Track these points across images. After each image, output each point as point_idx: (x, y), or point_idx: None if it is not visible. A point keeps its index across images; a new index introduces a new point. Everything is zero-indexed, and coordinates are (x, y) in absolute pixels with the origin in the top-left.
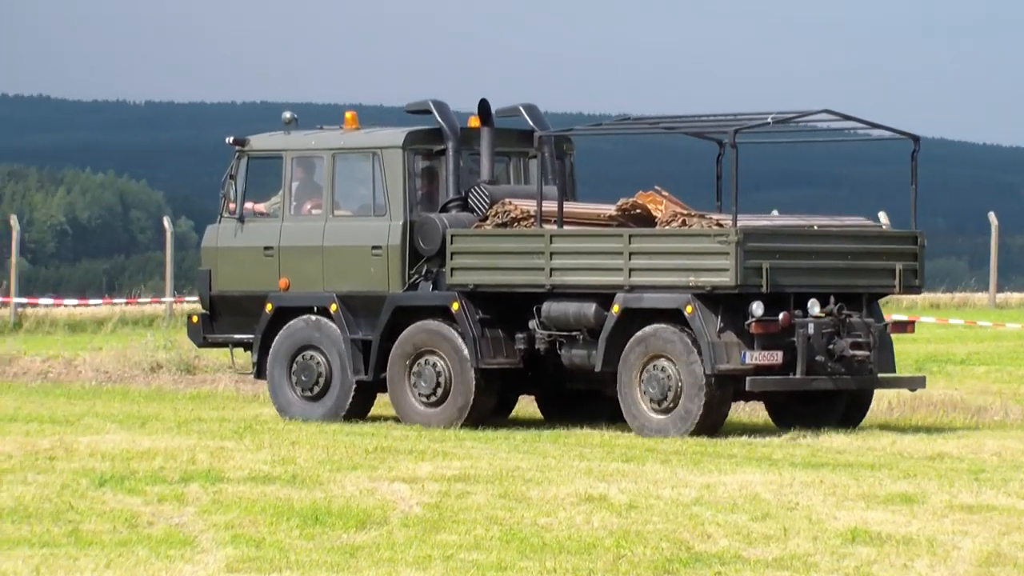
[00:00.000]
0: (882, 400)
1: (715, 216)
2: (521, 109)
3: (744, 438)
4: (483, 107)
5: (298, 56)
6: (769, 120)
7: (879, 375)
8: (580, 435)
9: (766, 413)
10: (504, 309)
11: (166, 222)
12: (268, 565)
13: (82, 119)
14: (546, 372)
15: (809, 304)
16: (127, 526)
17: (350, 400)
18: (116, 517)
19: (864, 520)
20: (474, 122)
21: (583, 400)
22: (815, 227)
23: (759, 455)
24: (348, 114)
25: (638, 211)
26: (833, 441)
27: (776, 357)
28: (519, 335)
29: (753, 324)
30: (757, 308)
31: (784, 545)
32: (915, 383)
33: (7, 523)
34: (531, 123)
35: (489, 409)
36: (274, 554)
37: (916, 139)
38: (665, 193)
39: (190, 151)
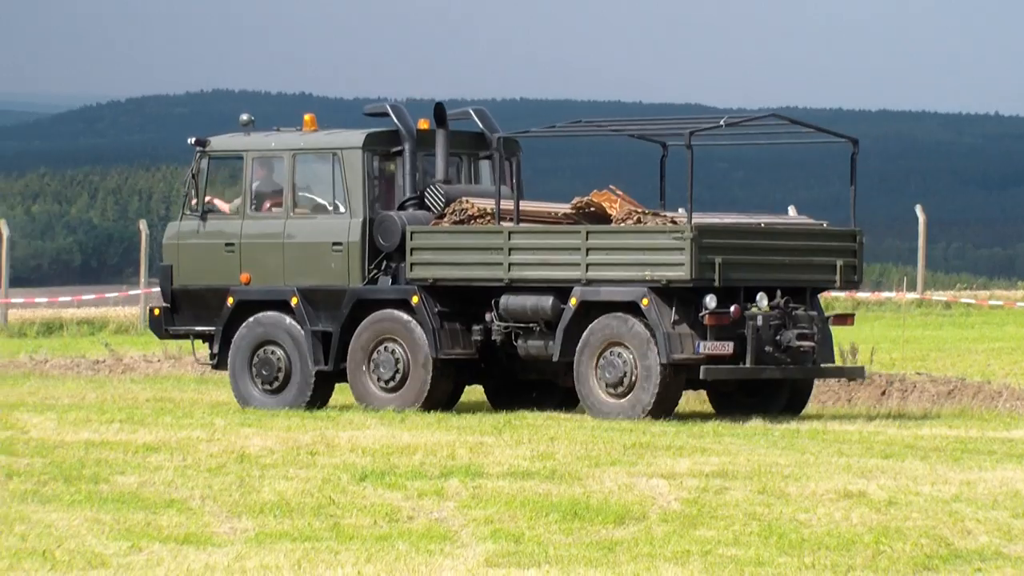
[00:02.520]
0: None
1: (669, 214)
2: (471, 112)
3: (1004, 434)
4: (439, 110)
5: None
6: (721, 123)
7: (821, 365)
8: (838, 432)
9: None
10: (461, 302)
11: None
12: (527, 560)
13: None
14: (499, 362)
15: (758, 297)
16: (387, 520)
17: (311, 391)
18: (376, 512)
19: None
20: (424, 124)
21: (531, 389)
22: (762, 224)
23: (1019, 452)
24: (307, 116)
25: (592, 209)
26: None
27: (727, 347)
28: (475, 327)
29: (707, 316)
30: (710, 301)
31: None
32: (856, 373)
33: (269, 517)
34: (481, 126)
35: (445, 396)
36: (533, 549)
37: (855, 142)
38: (619, 192)
39: None
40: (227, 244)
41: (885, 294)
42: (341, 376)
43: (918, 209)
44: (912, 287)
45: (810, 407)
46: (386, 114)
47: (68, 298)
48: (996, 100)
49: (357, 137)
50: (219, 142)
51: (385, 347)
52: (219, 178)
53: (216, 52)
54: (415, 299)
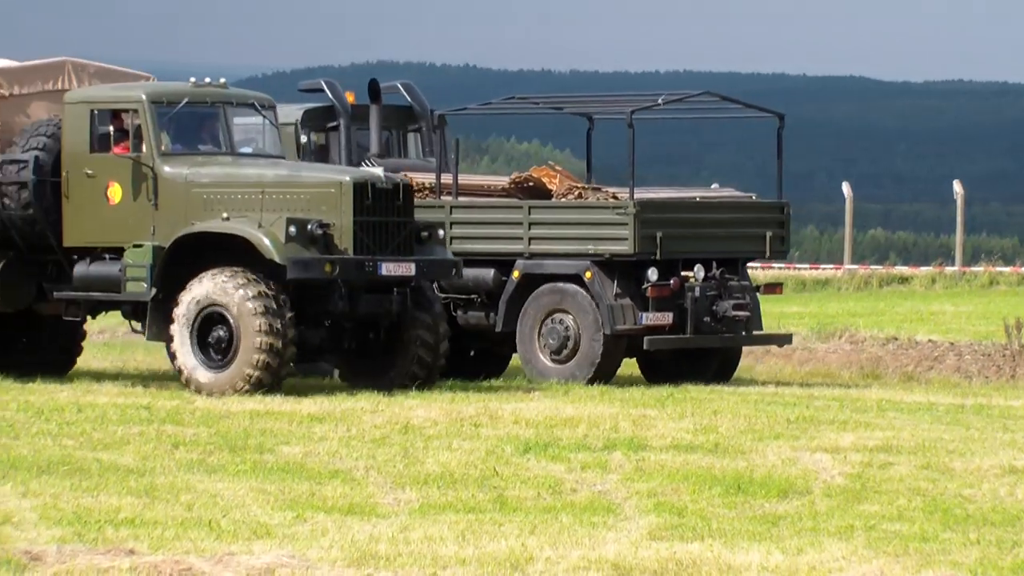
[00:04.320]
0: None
1: (610, 189)
2: (400, 87)
3: None
4: (373, 86)
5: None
6: (660, 101)
7: (753, 332)
8: (1003, 407)
9: None
10: None
11: None
12: (691, 533)
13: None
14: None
15: (695, 269)
16: (550, 493)
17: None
18: (540, 484)
19: None
20: (350, 98)
21: (472, 358)
22: (697, 199)
23: None
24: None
25: (531, 184)
26: None
27: (667, 318)
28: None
29: (649, 288)
30: (652, 274)
31: None
32: (783, 339)
33: (433, 489)
34: (410, 100)
35: None
36: (696, 522)
37: (781, 117)
38: (559, 168)
39: None
40: None
41: None
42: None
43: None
44: None
45: (975, 383)
46: (321, 90)
47: None
48: None
49: (294, 112)
50: None
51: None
52: None
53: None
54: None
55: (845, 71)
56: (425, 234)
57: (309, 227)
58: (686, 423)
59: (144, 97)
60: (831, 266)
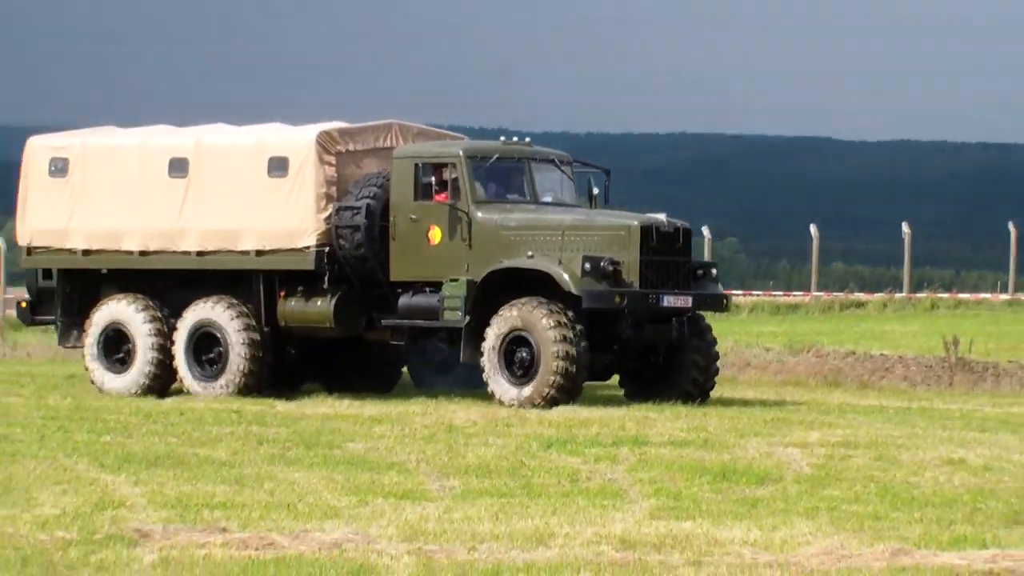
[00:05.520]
0: None
1: None
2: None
3: None
4: None
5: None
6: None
7: None
8: (942, 410)
9: None
10: None
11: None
12: (684, 513)
13: None
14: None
15: None
16: (569, 481)
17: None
18: (560, 473)
19: None
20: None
21: None
22: None
23: None
24: None
25: None
26: None
27: None
28: None
29: None
30: None
31: None
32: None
33: (472, 477)
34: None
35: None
36: (689, 504)
37: (607, 171)
38: None
39: None
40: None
41: (982, 295)
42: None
43: (1010, 224)
44: (1005, 289)
45: (919, 389)
46: None
47: None
48: None
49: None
50: None
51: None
52: None
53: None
54: None
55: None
56: (701, 271)
57: (602, 264)
58: (681, 423)
59: (461, 153)
60: (800, 293)
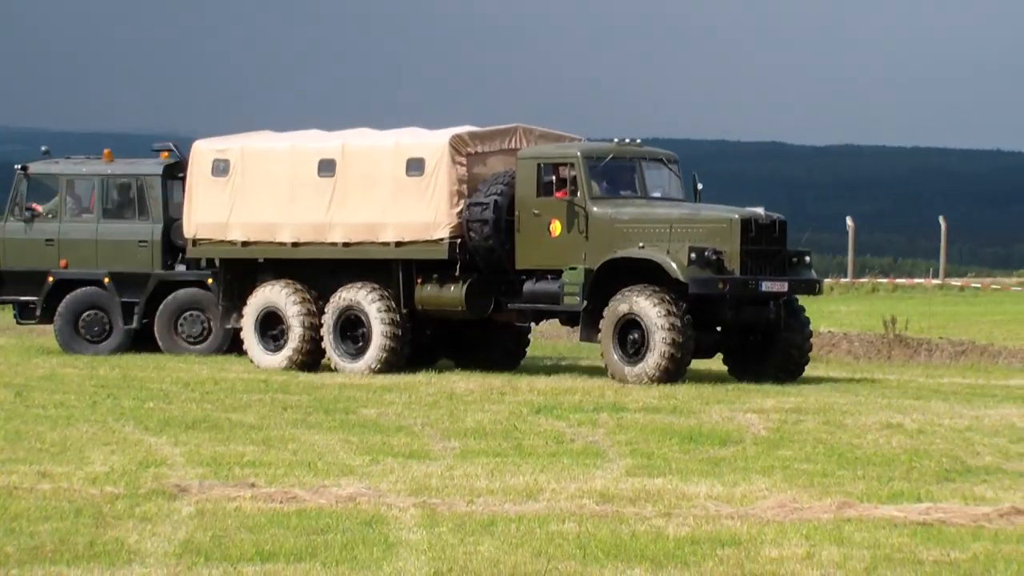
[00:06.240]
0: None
1: None
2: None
3: (1003, 382)
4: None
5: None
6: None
7: None
8: (882, 380)
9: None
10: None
11: None
12: (656, 471)
13: None
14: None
15: None
16: (555, 442)
17: (121, 341)
18: (547, 436)
19: None
20: (164, 156)
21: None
22: None
23: (1015, 395)
24: (106, 151)
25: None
26: None
27: None
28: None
29: None
30: None
31: None
32: None
33: (471, 439)
34: (180, 155)
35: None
36: (660, 463)
37: None
38: None
39: None
40: (47, 240)
41: (916, 280)
42: (143, 333)
43: (941, 219)
44: (936, 275)
45: (862, 362)
46: (171, 149)
47: None
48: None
49: (158, 167)
50: (36, 167)
51: (191, 313)
52: (38, 191)
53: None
54: (210, 280)
55: (768, 138)
56: (795, 259)
57: (706, 254)
58: (654, 392)
59: (579, 154)
60: None
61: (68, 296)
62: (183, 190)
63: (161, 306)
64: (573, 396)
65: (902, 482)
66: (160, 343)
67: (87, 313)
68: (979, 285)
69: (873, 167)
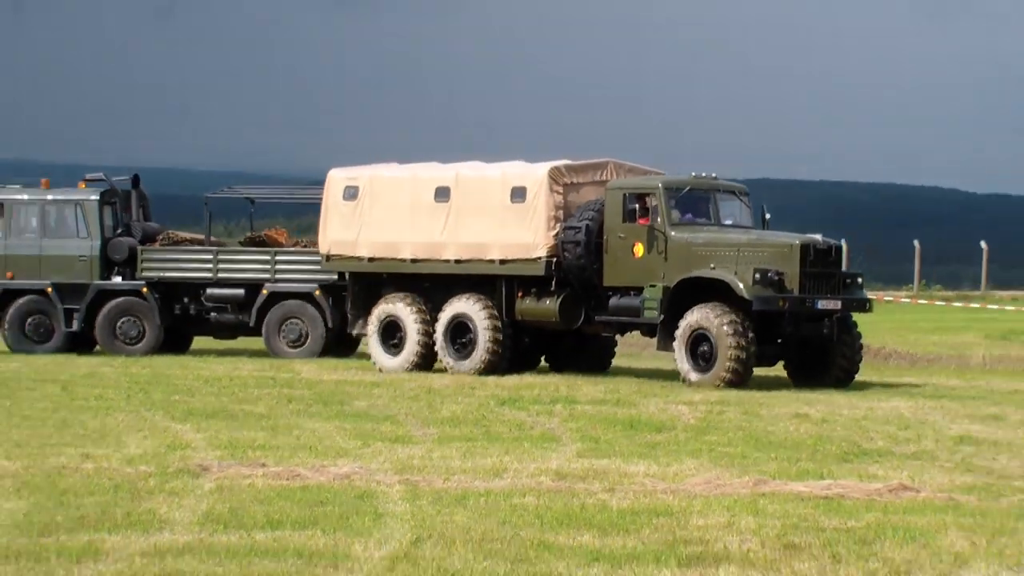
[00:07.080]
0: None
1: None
2: (104, 176)
3: (894, 379)
4: (135, 179)
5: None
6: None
7: None
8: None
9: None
10: (174, 292)
11: None
12: (602, 454)
13: None
14: (202, 329)
15: None
16: (518, 429)
17: (63, 343)
18: (511, 424)
19: (968, 430)
20: (81, 185)
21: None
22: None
23: (902, 391)
24: (44, 180)
25: (261, 238)
26: (949, 382)
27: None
28: (177, 306)
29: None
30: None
31: (918, 445)
32: None
33: (447, 427)
34: (109, 184)
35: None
36: (606, 447)
37: None
38: (282, 230)
39: None
40: None
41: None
42: (84, 335)
43: (843, 242)
44: None
45: (779, 367)
46: (103, 179)
47: None
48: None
49: (95, 193)
50: None
51: (128, 318)
52: None
53: None
54: (145, 289)
55: (759, 175)
56: (848, 280)
57: (769, 275)
58: (600, 387)
59: (660, 185)
60: None
61: (14, 304)
62: (114, 215)
63: (101, 312)
64: (532, 391)
65: (808, 462)
66: (100, 344)
67: (32, 318)
68: (874, 297)
69: (820, 200)
